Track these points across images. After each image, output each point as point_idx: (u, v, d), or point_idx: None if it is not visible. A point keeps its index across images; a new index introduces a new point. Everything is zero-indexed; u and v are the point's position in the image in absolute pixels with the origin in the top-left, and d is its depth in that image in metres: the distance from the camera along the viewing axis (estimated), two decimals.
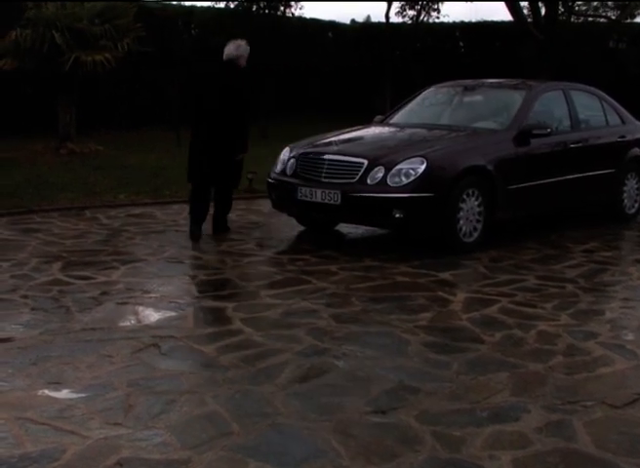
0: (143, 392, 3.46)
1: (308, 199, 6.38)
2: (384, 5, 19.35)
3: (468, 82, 8.07)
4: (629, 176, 8.03)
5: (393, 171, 6.10)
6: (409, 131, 7.18)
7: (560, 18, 17.55)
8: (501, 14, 56.67)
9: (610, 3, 19.36)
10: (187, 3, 31.10)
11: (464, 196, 6.25)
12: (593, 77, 12.19)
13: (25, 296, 4.88)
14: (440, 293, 5.15)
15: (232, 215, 7.22)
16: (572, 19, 18.80)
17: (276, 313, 4.66)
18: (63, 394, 3.43)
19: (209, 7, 18.23)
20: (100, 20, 12.23)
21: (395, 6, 19.68)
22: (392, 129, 7.42)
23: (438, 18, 20.05)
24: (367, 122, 8.06)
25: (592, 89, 8.18)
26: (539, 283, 5.48)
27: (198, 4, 32.31)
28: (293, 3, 17.52)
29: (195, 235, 6.69)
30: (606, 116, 8.03)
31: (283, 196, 6.77)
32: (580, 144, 7.39)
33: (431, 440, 3.06)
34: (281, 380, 3.62)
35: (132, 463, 2.84)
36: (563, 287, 5.39)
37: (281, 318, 4.57)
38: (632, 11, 18.57)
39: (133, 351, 3.97)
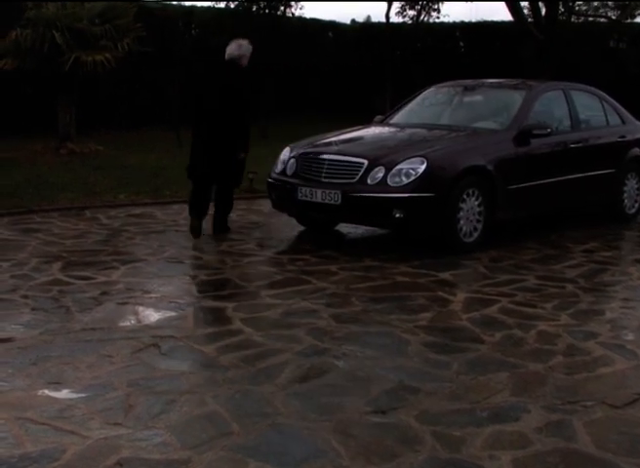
0: (143, 392, 3.46)
1: (308, 199, 6.38)
2: (385, 5, 19.38)
3: (468, 82, 8.07)
4: (629, 176, 8.03)
5: (393, 171, 6.10)
6: (409, 131, 7.18)
7: (560, 17, 17.55)
8: (502, 14, 56.70)
9: (610, 3, 19.36)
10: (188, 3, 31.19)
11: (464, 196, 6.25)
12: (593, 77, 12.21)
13: (25, 296, 4.88)
14: (440, 293, 5.15)
15: (233, 215, 7.22)
16: (572, 19, 18.79)
17: (276, 313, 4.66)
18: (63, 394, 3.43)
19: (209, 7, 18.24)
20: (100, 20, 12.24)
21: (395, 6, 19.72)
22: (392, 129, 7.43)
23: (438, 18, 20.10)
24: (367, 122, 8.06)
25: (592, 89, 8.18)
26: (539, 283, 5.48)
27: (198, 4, 32.36)
28: (293, 3, 17.56)
29: (196, 230, 6.69)
30: (606, 116, 8.04)
31: (283, 196, 6.77)
32: (580, 144, 7.39)
33: (431, 440, 3.06)
34: (281, 380, 3.62)
35: (132, 463, 2.84)
36: (563, 287, 5.39)
37: (281, 318, 4.57)
38: (632, 11, 18.57)
39: (133, 351, 3.97)
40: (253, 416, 3.22)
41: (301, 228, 7.26)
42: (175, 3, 18.59)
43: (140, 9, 13.69)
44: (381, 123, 7.81)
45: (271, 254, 6.27)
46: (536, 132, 6.83)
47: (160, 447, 2.96)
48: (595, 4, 19.64)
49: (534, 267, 5.93)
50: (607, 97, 8.21)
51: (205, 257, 6.10)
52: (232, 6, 17.22)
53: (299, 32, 18.80)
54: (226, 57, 6.80)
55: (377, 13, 60.73)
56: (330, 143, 6.90)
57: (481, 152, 6.51)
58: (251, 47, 6.88)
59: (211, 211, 6.92)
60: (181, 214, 7.76)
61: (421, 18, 19.92)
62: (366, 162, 6.22)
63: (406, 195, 6.03)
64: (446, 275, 5.63)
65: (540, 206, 7.18)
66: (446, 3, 20.52)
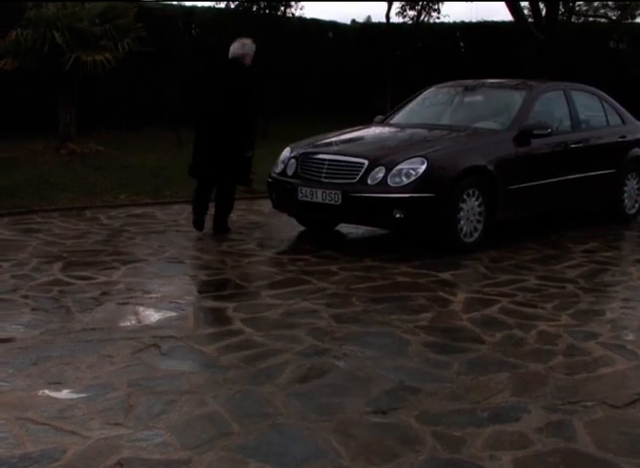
0: (144, 392, 3.46)
1: (309, 199, 6.38)
2: (385, 5, 19.36)
3: (469, 82, 8.07)
4: (630, 177, 8.03)
5: (394, 171, 6.10)
6: (409, 131, 7.18)
7: (561, 18, 17.55)
8: (502, 14, 56.66)
9: (610, 3, 19.36)
10: (188, 3, 31.18)
11: (465, 196, 6.25)
12: (594, 77, 12.20)
13: (26, 297, 4.88)
14: (440, 294, 5.15)
15: (233, 216, 7.21)
16: (572, 20, 18.78)
17: (277, 313, 4.66)
18: (64, 394, 3.43)
19: (209, 7, 18.25)
20: (100, 21, 12.23)
21: (396, 6, 19.71)
22: (393, 129, 7.42)
23: (438, 18, 20.08)
24: (367, 122, 8.06)
25: (593, 89, 8.18)
26: (539, 283, 5.48)
27: (198, 4, 32.41)
28: (293, 3, 17.56)
29: (198, 224, 6.80)
30: (606, 116, 8.04)
31: (283, 196, 6.76)
32: (580, 144, 7.39)
33: (432, 440, 3.06)
34: (281, 380, 3.62)
35: (132, 463, 2.84)
36: (563, 287, 5.39)
37: (281, 318, 4.57)
38: (633, 11, 18.55)
39: (133, 351, 3.97)
40: (253, 416, 3.22)
41: (302, 228, 7.26)
42: (175, 3, 18.62)
43: (141, 9, 13.69)
44: (382, 123, 7.81)
45: (272, 255, 6.27)
46: (536, 132, 6.83)
47: (160, 447, 2.96)
48: (595, 4, 19.64)
49: (534, 267, 5.93)
50: (607, 97, 8.21)
51: (205, 258, 6.10)
52: (232, 6, 17.23)
53: (299, 32, 18.79)
54: (230, 55, 6.82)
55: (377, 13, 60.81)
56: (330, 143, 6.91)
57: (481, 152, 6.51)
58: (254, 46, 6.89)
59: (211, 211, 6.92)
60: (182, 214, 7.77)
61: (422, 18, 19.92)
62: (366, 162, 6.22)
63: (406, 195, 6.03)
64: (446, 275, 5.63)
65: (541, 206, 7.18)
66: (446, 3, 20.51)
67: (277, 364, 3.83)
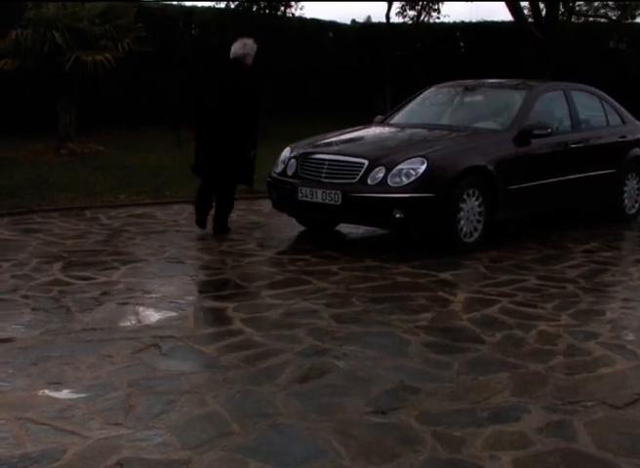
0: (144, 392, 3.46)
1: (309, 199, 6.38)
2: (385, 5, 19.36)
3: (469, 82, 8.07)
4: (630, 177, 8.03)
5: (394, 171, 6.10)
6: (409, 131, 7.18)
7: (561, 18, 17.54)
8: (502, 14, 56.66)
9: (610, 3, 19.36)
10: (188, 3, 31.22)
11: (465, 196, 6.25)
12: (594, 77, 12.20)
13: (26, 297, 4.88)
14: (440, 294, 5.15)
15: (233, 216, 7.21)
16: (572, 20, 18.78)
17: (277, 313, 4.66)
18: (64, 394, 3.43)
19: (209, 7, 18.26)
20: (100, 21, 12.24)
21: (396, 6, 19.71)
22: (393, 129, 7.42)
23: (438, 18, 20.09)
24: (367, 122, 8.06)
25: (593, 89, 8.18)
26: (539, 283, 5.48)
27: (199, 4, 32.39)
28: (293, 3, 17.56)
29: (200, 223, 6.83)
30: (606, 116, 8.04)
31: (283, 196, 6.77)
32: (580, 144, 7.39)
33: (432, 440, 3.06)
34: (281, 380, 3.62)
35: (132, 463, 2.84)
36: (563, 287, 5.39)
37: (281, 318, 4.57)
38: (633, 11, 18.55)
39: (133, 351, 3.97)
40: (253, 417, 3.22)
41: (302, 228, 7.26)
42: (175, 3, 18.62)
43: (141, 9, 13.69)
44: (382, 123, 7.81)
45: (272, 255, 6.27)
46: (536, 132, 6.84)
47: (160, 447, 2.96)
48: (596, 4, 19.64)
49: (534, 267, 5.93)
50: (607, 97, 8.21)
51: (205, 258, 6.10)
52: (232, 6, 17.23)
53: (299, 32, 18.79)
54: (231, 55, 6.82)
55: (377, 13, 60.79)
56: (330, 143, 6.91)
57: (481, 152, 6.51)
58: (255, 46, 6.90)
59: (211, 211, 6.93)
60: (182, 214, 7.77)
61: (422, 18, 19.92)
62: (366, 162, 6.22)
63: (406, 195, 6.03)
64: (446, 275, 5.63)
65: (541, 206, 7.18)
66: (446, 3, 20.51)
67: (277, 364, 3.83)
